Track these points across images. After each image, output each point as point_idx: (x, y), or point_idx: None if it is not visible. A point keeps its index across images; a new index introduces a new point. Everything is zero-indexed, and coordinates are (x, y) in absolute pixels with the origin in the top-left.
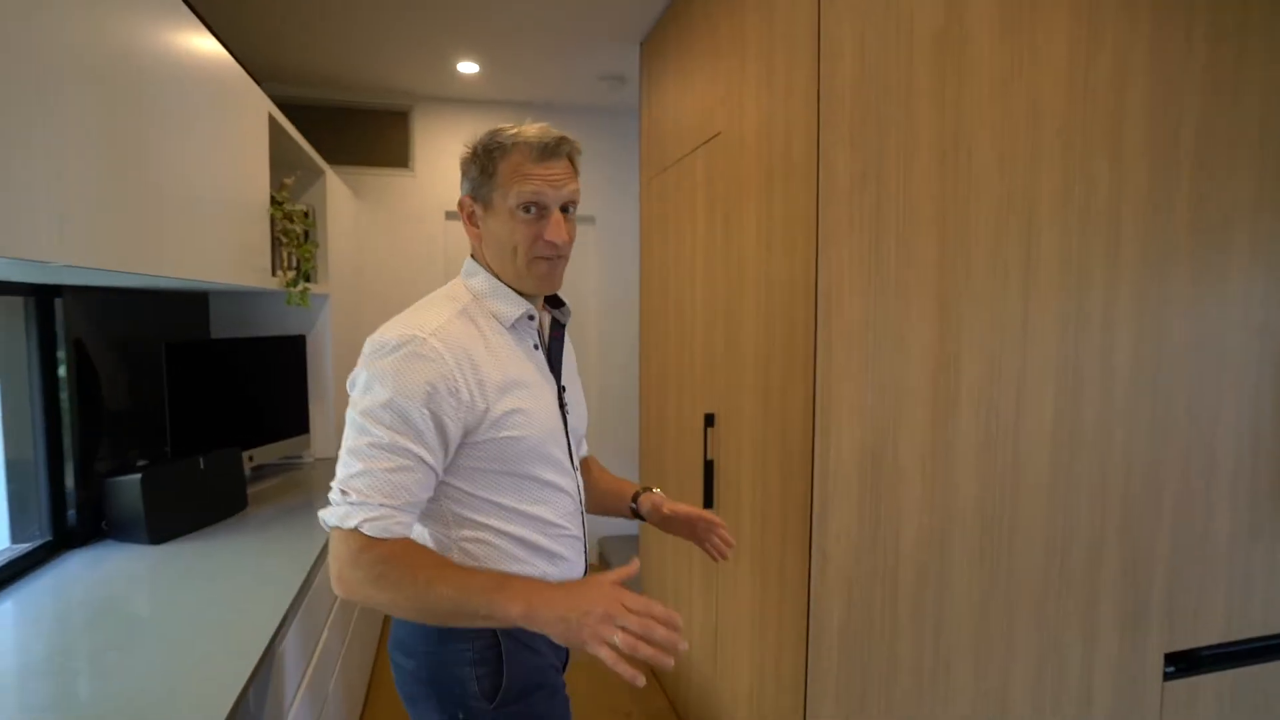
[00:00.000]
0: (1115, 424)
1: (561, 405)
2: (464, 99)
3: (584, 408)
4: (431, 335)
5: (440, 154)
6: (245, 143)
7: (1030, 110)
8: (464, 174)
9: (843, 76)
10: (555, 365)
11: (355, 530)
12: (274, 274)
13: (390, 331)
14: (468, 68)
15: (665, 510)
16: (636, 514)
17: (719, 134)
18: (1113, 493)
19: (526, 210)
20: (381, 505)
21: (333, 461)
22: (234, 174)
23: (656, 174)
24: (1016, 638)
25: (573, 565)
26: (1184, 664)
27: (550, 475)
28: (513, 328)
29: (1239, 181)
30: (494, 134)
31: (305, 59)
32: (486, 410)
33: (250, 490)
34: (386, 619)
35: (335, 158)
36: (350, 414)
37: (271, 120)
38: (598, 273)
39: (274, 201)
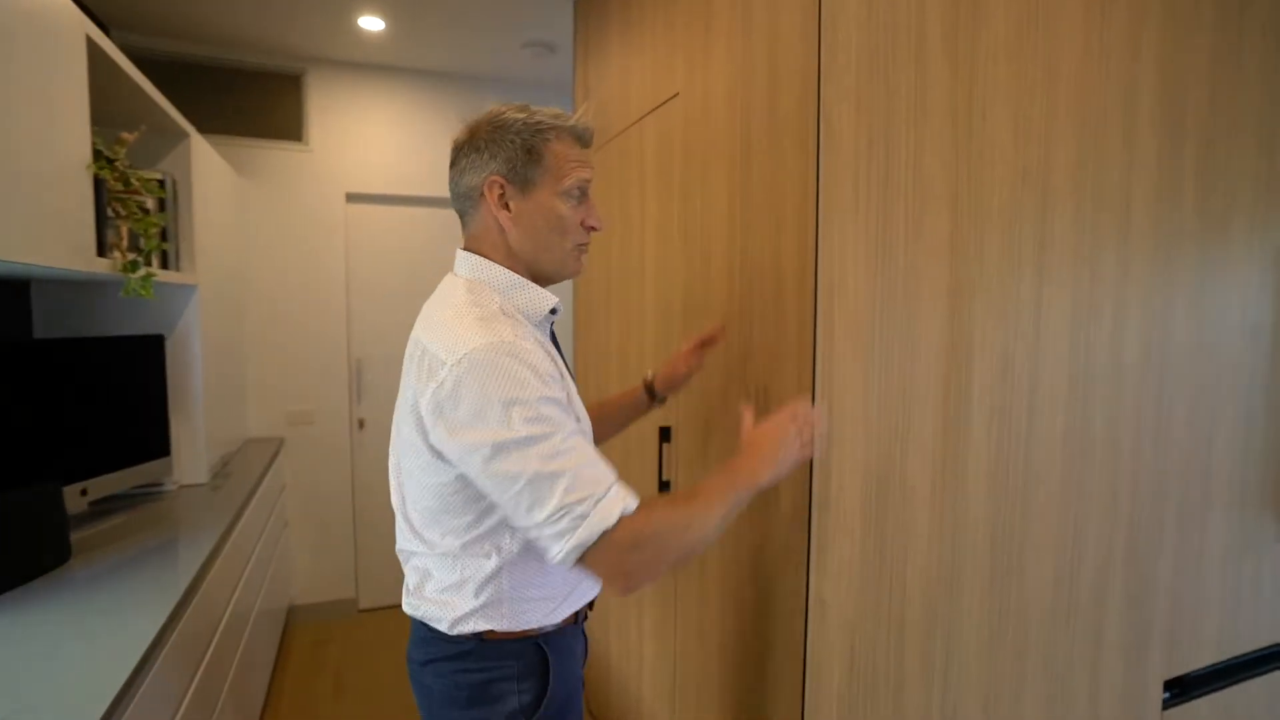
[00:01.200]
0: (1123, 432)
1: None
2: (368, 64)
3: None
4: (513, 337)
5: (341, 127)
6: (49, 73)
7: (1045, 70)
8: (492, 152)
9: (848, 15)
10: (564, 358)
11: (622, 519)
12: (102, 254)
13: (461, 344)
14: (371, 23)
15: (680, 368)
16: (653, 398)
17: (676, 95)
18: (1121, 509)
19: (577, 195)
20: (613, 486)
21: (201, 489)
22: (30, 113)
23: (596, 149)
24: (1025, 679)
25: None
26: (1178, 688)
27: None
28: (538, 323)
29: (1241, 163)
30: (534, 114)
31: (172, 6)
32: (568, 398)
33: (82, 534)
34: (274, 680)
35: (211, 125)
36: (495, 444)
37: (99, 55)
38: None
39: (103, 159)
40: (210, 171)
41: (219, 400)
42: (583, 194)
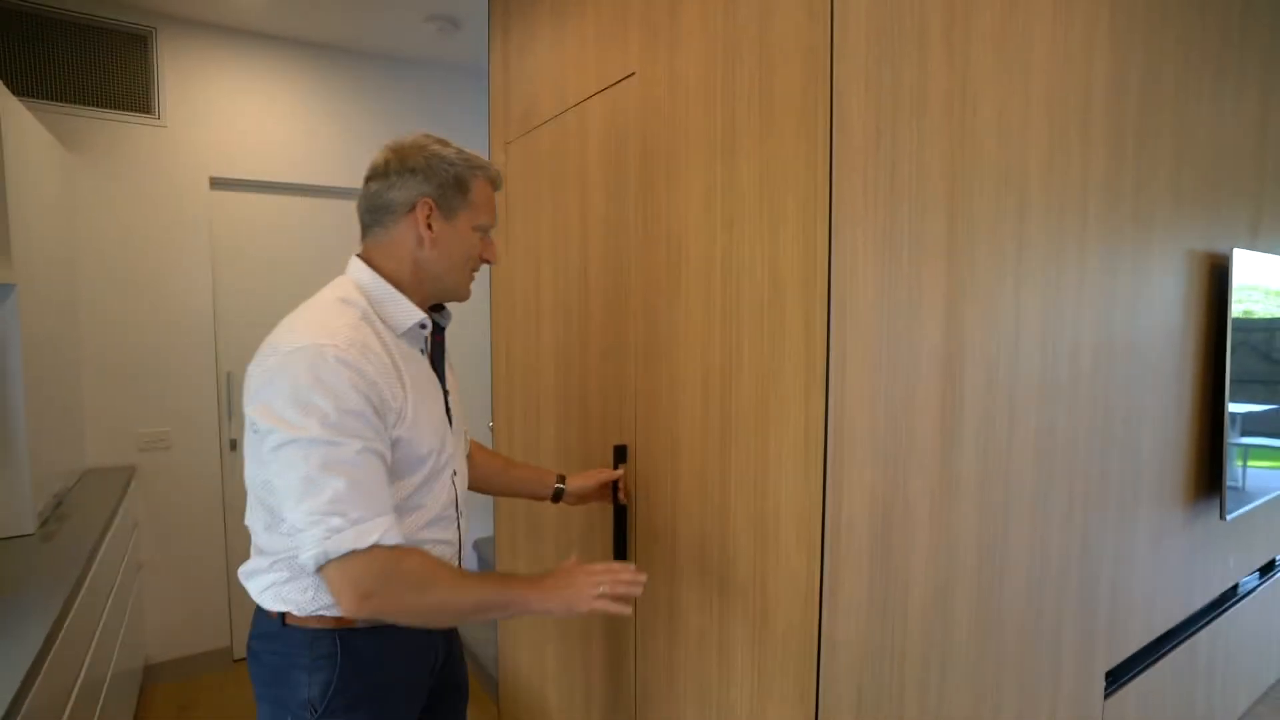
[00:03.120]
0: (1079, 435)
1: (447, 409)
2: (242, 29)
3: (462, 407)
4: (347, 344)
5: (204, 100)
6: None
7: (1021, 63)
8: (427, 176)
9: None
10: (440, 370)
11: (375, 547)
12: None
13: (300, 337)
14: None
15: (592, 494)
16: (555, 499)
17: (631, 75)
18: (1076, 511)
19: (485, 231)
20: (384, 515)
21: (28, 541)
22: None
23: (518, 136)
24: (1004, 700)
25: (450, 547)
26: (1112, 678)
27: (435, 475)
28: (404, 335)
29: (1162, 170)
30: (465, 155)
31: None
32: (400, 414)
33: None
34: None
35: (23, 86)
36: (287, 435)
37: None
38: None
39: None
40: (32, 145)
41: (47, 427)
42: (486, 231)
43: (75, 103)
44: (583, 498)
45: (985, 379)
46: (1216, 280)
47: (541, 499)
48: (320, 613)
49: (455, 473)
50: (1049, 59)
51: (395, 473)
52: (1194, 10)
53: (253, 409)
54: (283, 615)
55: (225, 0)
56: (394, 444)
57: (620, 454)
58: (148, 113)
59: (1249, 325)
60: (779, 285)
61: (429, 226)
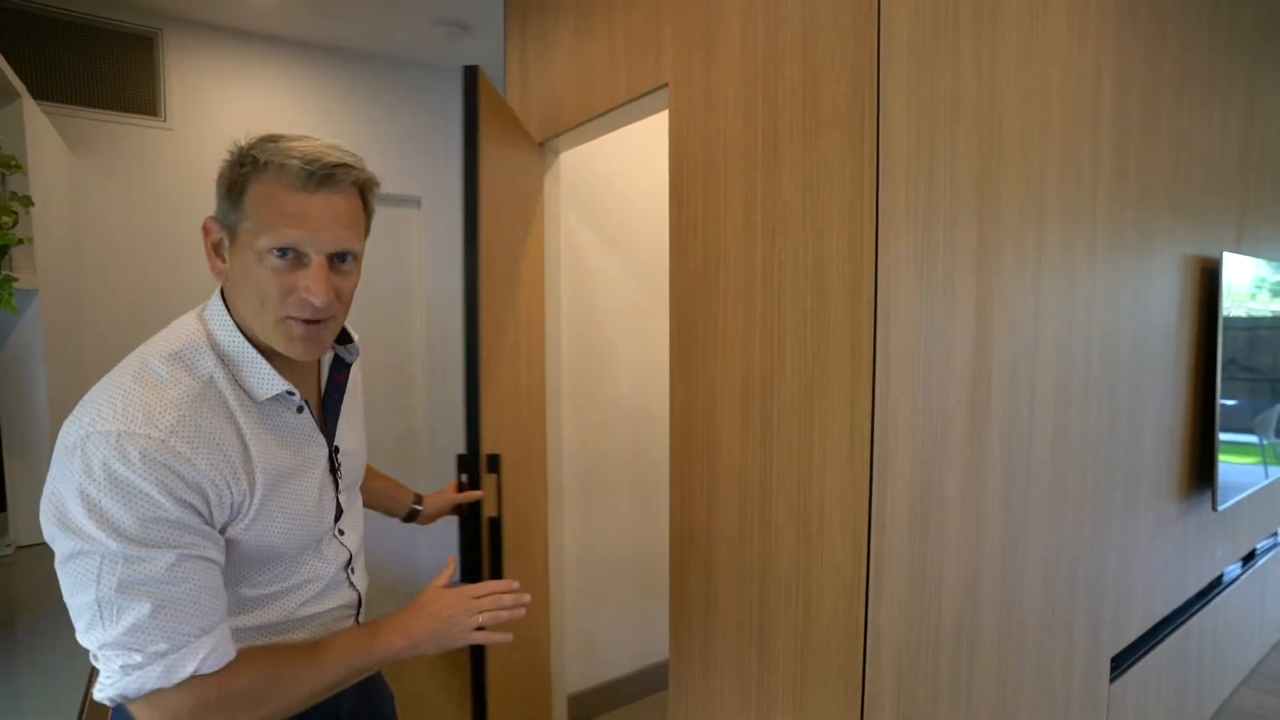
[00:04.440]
0: (1091, 432)
1: (334, 470)
2: (246, 31)
3: (363, 446)
4: (167, 432)
5: (212, 103)
6: None
7: (1040, 78)
8: (218, 189)
9: (903, 6)
10: (329, 424)
11: (192, 679)
12: None
13: (102, 419)
14: None
15: (446, 509)
16: (411, 517)
17: (663, 86)
18: (1087, 503)
19: (281, 254)
20: (206, 634)
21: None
22: None
23: (540, 142)
24: (1023, 685)
25: (347, 610)
26: (1116, 662)
27: (309, 550)
28: (268, 401)
29: (1160, 180)
30: (256, 143)
31: None
32: (238, 511)
33: None
34: None
35: (33, 90)
36: (75, 545)
37: None
38: (419, 268)
39: None
40: (46, 146)
41: None
42: (296, 253)
43: (79, 104)
44: (437, 513)
45: (1009, 379)
46: (1208, 282)
47: (393, 516)
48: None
49: (342, 531)
50: (1064, 76)
51: (241, 569)
52: (1187, 35)
53: (43, 502)
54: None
55: (231, 2)
56: (229, 544)
57: (492, 463)
58: (153, 115)
59: (1237, 324)
60: (824, 291)
61: (222, 259)
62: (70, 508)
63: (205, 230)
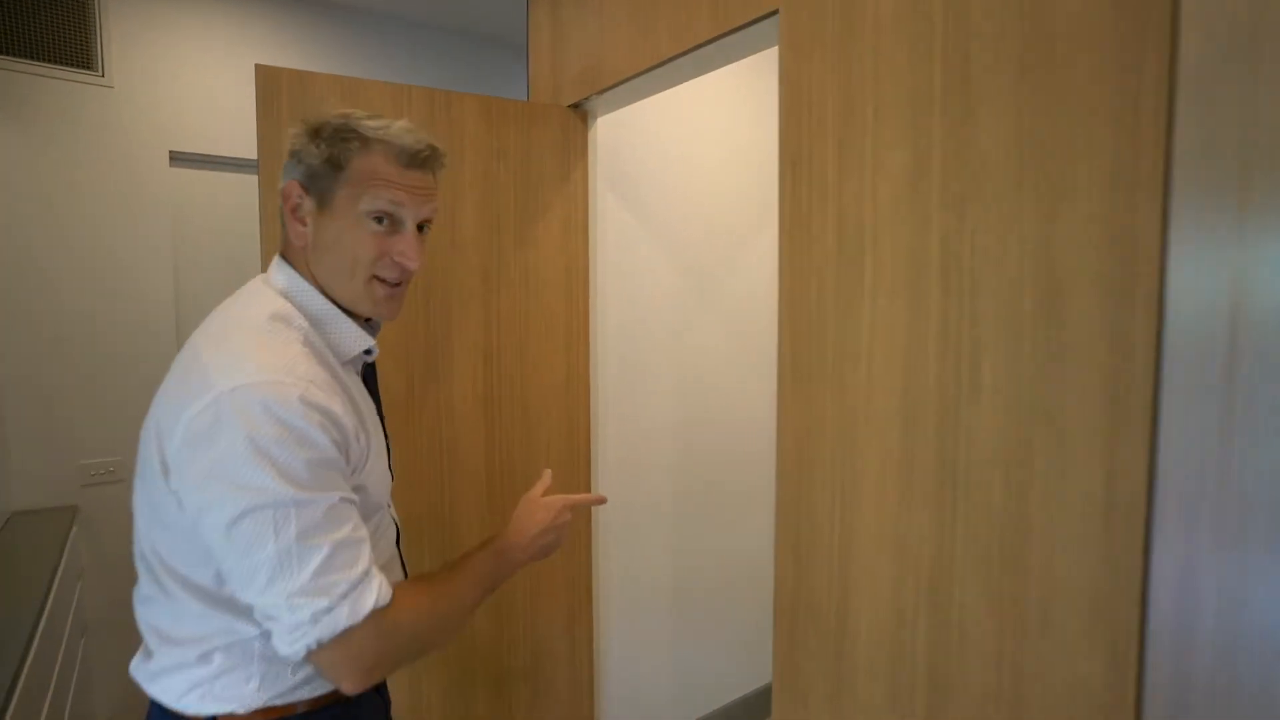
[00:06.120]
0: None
1: (387, 446)
2: None
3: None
4: (310, 383)
5: (163, 58)
6: None
7: None
8: (295, 155)
9: None
10: (379, 400)
11: (372, 613)
12: None
13: (248, 371)
14: None
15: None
16: None
17: (773, 13)
18: None
19: (379, 221)
20: (370, 572)
21: None
22: None
23: (578, 100)
24: None
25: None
26: None
27: (380, 520)
28: (349, 363)
29: None
30: (349, 118)
31: None
32: (364, 457)
33: None
34: None
35: None
36: (247, 502)
37: None
38: None
39: None
40: None
41: None
42: (393, 220)
43: None
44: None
45: None
46: None
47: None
48: (271, 703)
49: (390, 504)
50: None
51: None
52: None
53: (190, 473)
54: (213, 718)
55: None
56: (356, 474)
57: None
58: (89, 69)
59: None
60: (1057, 287)
61: (302, 223)
62: (239, 466)
63: (285, 195)
